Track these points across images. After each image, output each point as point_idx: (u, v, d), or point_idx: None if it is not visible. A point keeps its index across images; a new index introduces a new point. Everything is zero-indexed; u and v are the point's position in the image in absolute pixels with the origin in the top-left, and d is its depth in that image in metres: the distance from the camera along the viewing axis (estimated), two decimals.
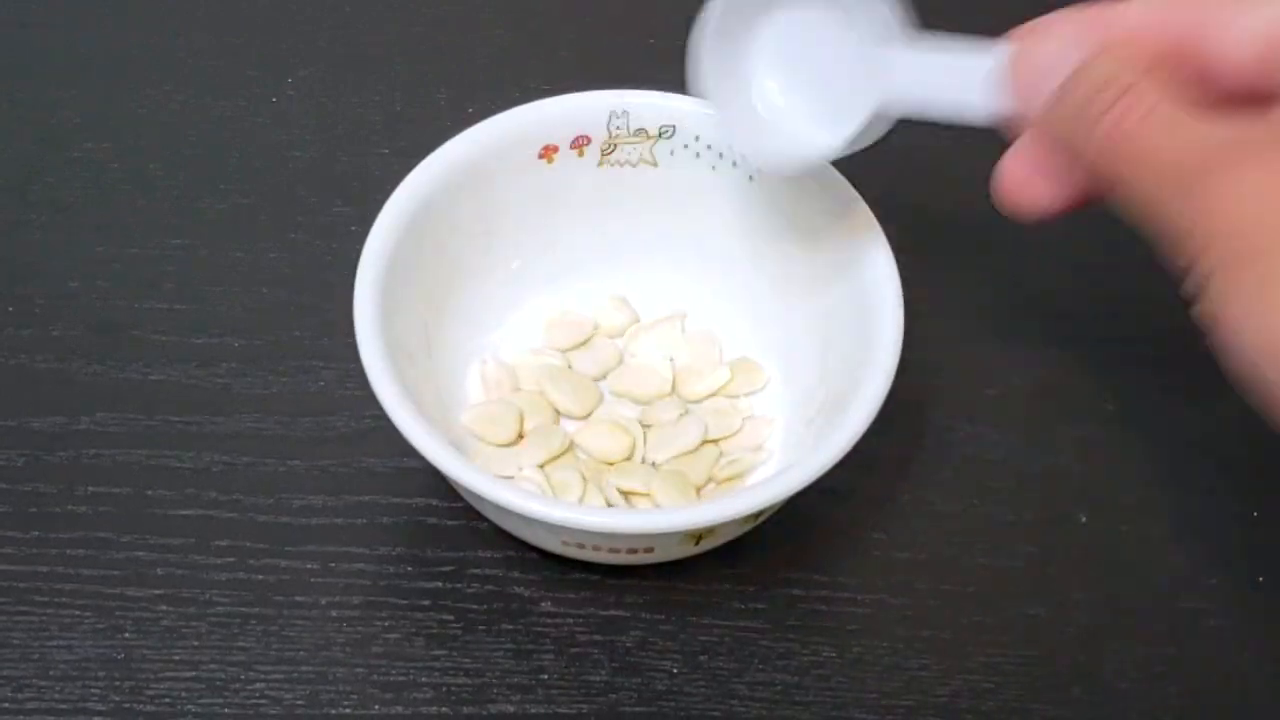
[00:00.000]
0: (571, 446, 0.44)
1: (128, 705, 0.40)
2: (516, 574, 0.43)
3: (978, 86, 0.35)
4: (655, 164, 0.46)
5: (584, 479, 0.43)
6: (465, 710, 0.41)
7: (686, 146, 0.45)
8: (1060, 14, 0.34)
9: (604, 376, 0.46)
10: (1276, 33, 0.32)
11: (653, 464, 0.44)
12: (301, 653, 0.41)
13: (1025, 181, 0.35)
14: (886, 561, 0.44)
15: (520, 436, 0.44)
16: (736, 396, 0.46)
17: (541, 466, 0.43)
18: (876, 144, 0.55)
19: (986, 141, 0.56)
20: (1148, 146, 0.30)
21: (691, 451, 0.44)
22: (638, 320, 0.47)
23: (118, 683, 0.41)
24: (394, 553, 0.44)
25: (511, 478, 0.43)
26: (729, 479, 0.44)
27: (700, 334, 0.47)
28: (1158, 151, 0.30)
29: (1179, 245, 0.30)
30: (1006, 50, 0.34)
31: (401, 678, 0.41)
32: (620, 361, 0.46)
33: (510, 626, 0.42)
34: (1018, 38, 0.34)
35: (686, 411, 0.45)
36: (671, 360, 0.46)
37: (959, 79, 0.35)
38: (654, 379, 0.46)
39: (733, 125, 0.41)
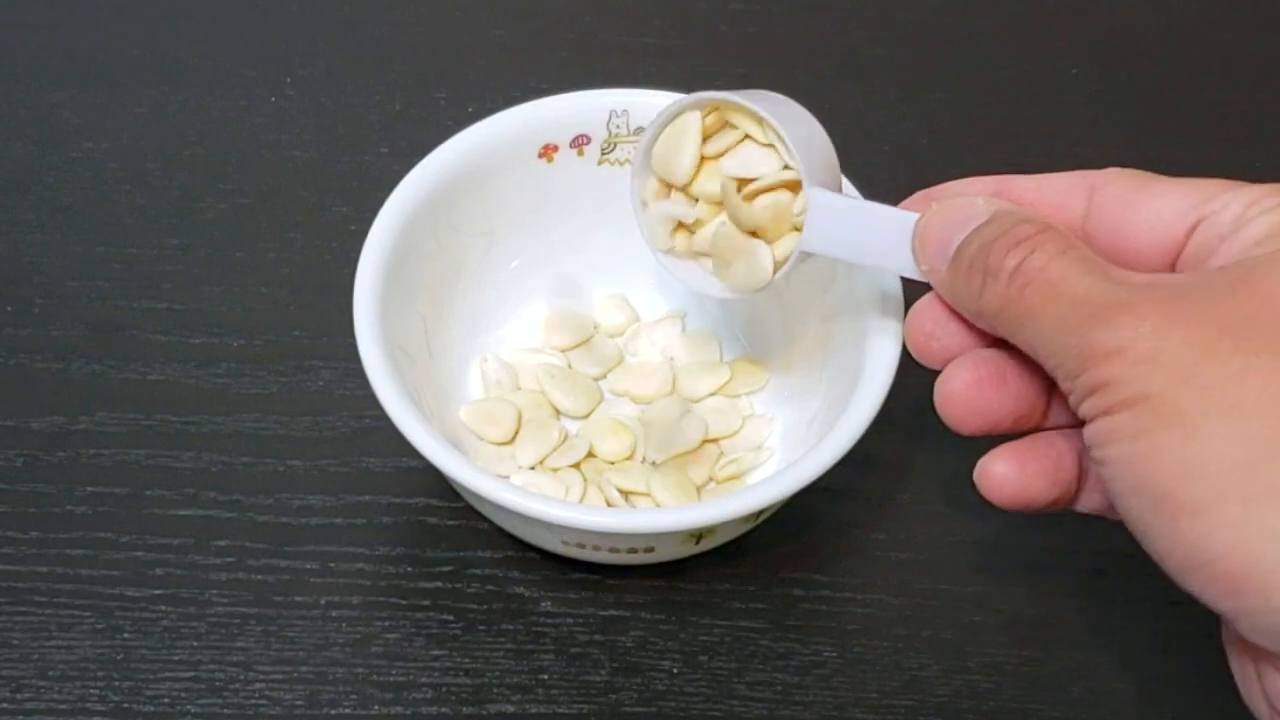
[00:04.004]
0: (572, 445, 0.44)
1: (127, 705, 0.40)
2: (516, 574, 0.43)
3: (895, 244, 0.35)
4: None
5: (584, 478, 0.43)
6: (465, 710, 0.41)
7: None
8: (967, 180, 0.35)
9: (604, 376, 0.46)
10: (1177, 225, 0.32)
11: (653, 463, 0.44)
12: (301, 653, 0.41)
13: (930, 335, 0.35)
14: (886, 561, 0.44)
15: (519, 435, 0.44)
16: (737, 396, 0.46)
17: (541, 465, 0.43)
18: (878, 144, 0.55)
19: (987, 139, 0.56)
20: (1057, 279, 0.31)
21: (692, 451, 0.44)
22: (638, 320, 0.47)
23: (117, 683, 0.41)
24: (394, 553, 0.43)
25: (510, 477, 0.43)
26: (729, 478, 0.44)
27: (700, 334, 0.47)
28: (1066, 283, 0.30)
29: (1072, 380, 0.30)
30: (917, 214, 0.34)
31: (401, 678, 0.41)
32: (620, 361, 0.46)
33: (510, 626, 0.42)
34: (927, 198, 0.35)
35: (687, 411, 0.45)
36: (672, 360, 0.46)
37: (878, 235, 0.35)
38: (654, 378, 0.46)
39: (670, 265, 0.40)
